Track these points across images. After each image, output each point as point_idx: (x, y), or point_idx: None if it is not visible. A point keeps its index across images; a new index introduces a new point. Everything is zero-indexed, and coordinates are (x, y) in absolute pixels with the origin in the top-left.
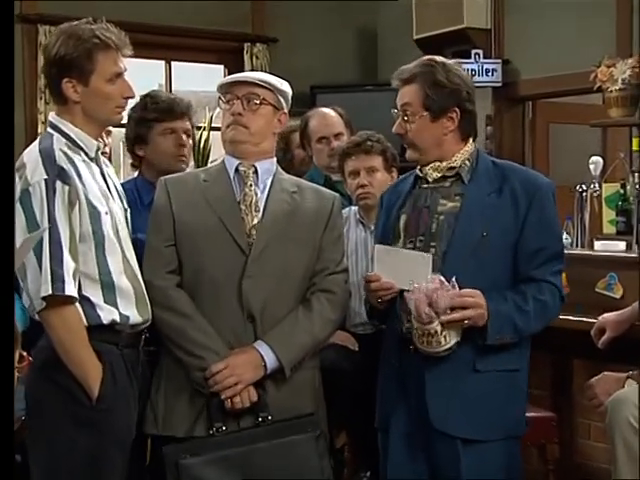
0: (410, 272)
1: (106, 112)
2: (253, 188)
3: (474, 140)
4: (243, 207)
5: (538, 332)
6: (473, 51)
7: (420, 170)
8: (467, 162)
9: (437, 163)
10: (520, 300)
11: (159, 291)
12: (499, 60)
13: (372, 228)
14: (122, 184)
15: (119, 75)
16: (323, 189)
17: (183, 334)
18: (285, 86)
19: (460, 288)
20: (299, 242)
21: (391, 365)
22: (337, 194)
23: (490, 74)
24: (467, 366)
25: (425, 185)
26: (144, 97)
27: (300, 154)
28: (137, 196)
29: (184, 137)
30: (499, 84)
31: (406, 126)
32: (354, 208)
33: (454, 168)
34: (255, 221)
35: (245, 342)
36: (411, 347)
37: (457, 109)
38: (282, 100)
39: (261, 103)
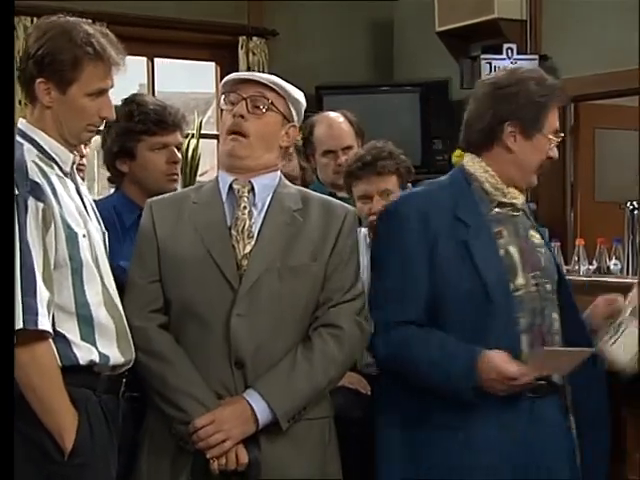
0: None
1: (76, 128)
2: (247, 210)
3: None
4: (234, 233)
5: None
6: (505, 46)
7: (502, 194)
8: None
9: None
10: None
11: (139, 332)
12: (536, 56)
13: None
14: (96, 202)
15: (102, 92)
16: (335, 202)
17: (164, 382)
18: (299, 95)
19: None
20: (300, 271)
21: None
22: (352, 207)
23: None
24: None
25: (512, 212)
26: (129, 103)
27: (295, 167)
28: (116, 217)
29: (176, 152)
30: None
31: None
32: (364, 230)
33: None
34: (248, 249)
35: (235, 392)
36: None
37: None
38: (294, 111)
39: (269, 109)
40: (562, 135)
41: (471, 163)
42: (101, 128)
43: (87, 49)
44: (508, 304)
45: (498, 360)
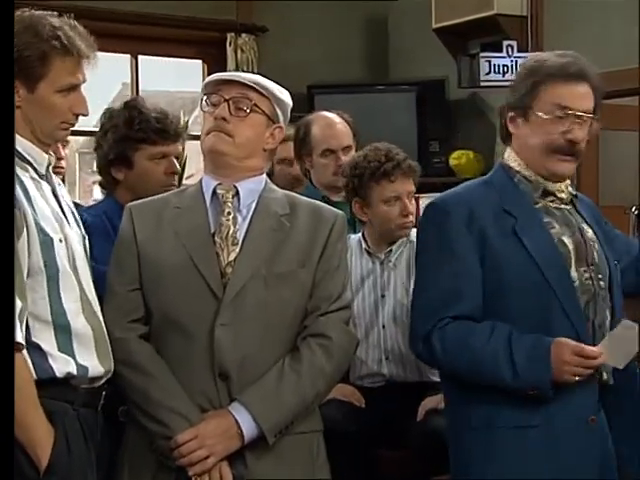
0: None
1: (48, 127)
2: (231, 216)
3: None
4: (218, 240)
5: None
6: (505, 43)
7: (537, 181)
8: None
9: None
10: None
11: (119, 344)
12: (537, 54)
13: (382, 257)
14: (87, 209)
15: (74, 87)
16: (324, 206)
17: (145, 395)
18: (285, 95)
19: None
20: (287, 278)
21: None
22: (341, 212)
23: None
24: None
25: (559, 204)
26: (129, 109)
27: (283, 171)
28: (107, 223)
29: (176, 163)
30: None
31: (585, 134)
32: (356, 236)
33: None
34: (232, 256)
35: (219, 405)
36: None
37: None
38: (279, 112)
39: (252, 110)
40: (581, 113)
41: (507, 155)
42: (89, 129)
43: (54, 43)
44: (570, 293)
45: (572, 342)
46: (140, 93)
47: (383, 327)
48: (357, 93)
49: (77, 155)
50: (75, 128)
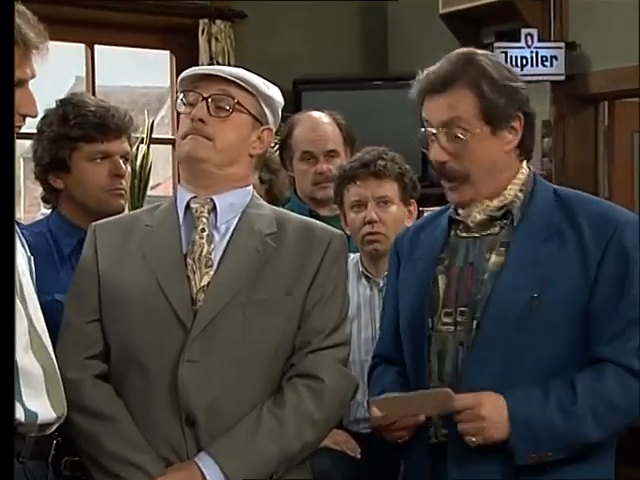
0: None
1: None
2: (205, 233)
3: (528, 159)
4: (190, 262)
5: (610, 438)
6: (524, 31)
7: (455, 210)
8: (520, 194)
9: (485, 201)
10: (567, 397)
11: (72, 385)
12: (561, 44)
13: (381, 284)
14: (28, 227)
15: (21, 83)
16: (318, 225)
17: (99, 445)
18: (274, 92)
19: (491, 380)
20: (270, 308)
21: None
22: (339, 231)
23: (548, 63)
24: None
25: (465, 233)
26: (63, 104)
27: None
28: (53, 243)
29: (121, 163)
30: (561, 77)
31: (456, 149)
32: (355, 257)
33: (504, 206)
34: (205, 280)
35: (187, 456)
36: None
37: (521, 114)
38: (267, 111)
39: (235, 109)
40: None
41: None
42: (31, 131)
43: None
44: (419, 345)
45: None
46: (97, 89)
47: None
48: (351, 90)
49: (22, 161)
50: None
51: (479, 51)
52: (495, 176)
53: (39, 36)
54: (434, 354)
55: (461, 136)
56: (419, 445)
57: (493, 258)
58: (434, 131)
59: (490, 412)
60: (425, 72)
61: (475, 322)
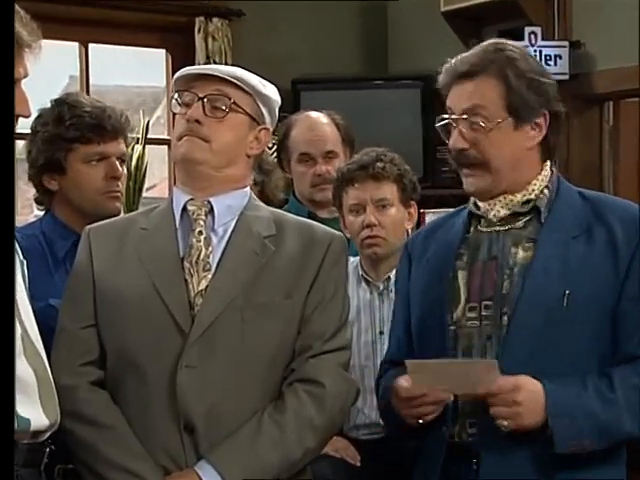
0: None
1: None
2: (203, 236)
3: (553, 160)
4: (187, 265)
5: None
6: (527, 29)
7: (476, 205)
8: (546, 191)
9: (509, 196)
10: (605, 386)
11: (67, 392)
12: (565, 42)
13: (381, 287)
14: (20, 229)
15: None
16: (318, 227)
17: (95, 453)
18: (270, 91)
19: (523, 373)
20: (269, 311)
21: None
22: (339, 233)
23: (552, 62)
24: None
25: (486, 228)
26: (58, 104)
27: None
28: (46, 246)
29: (118, 165)
30: (566, 77)
31: (476, 137)
32: (355, 260)
33: (530, 201)
34: (203, 284)
35: (185, 464)
36: (474, 461)
37: (546, 111)
38: (264, 110)
39: (231, 109)
40: None
41: None
42: (24, 131)
43: None
44: (440, 341)
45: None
46: (91, 89)
47: None
48: (351, 89)
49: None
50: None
51: (510, 42)
52: (516, 170)
53: (32, 34)
54: (460, 350)
55: (482, 124)
56: (438, 442)
57: (520, 253)
58: (456, 117)
59: (527, 397)
60: (453, 60)
61: (505, 317)
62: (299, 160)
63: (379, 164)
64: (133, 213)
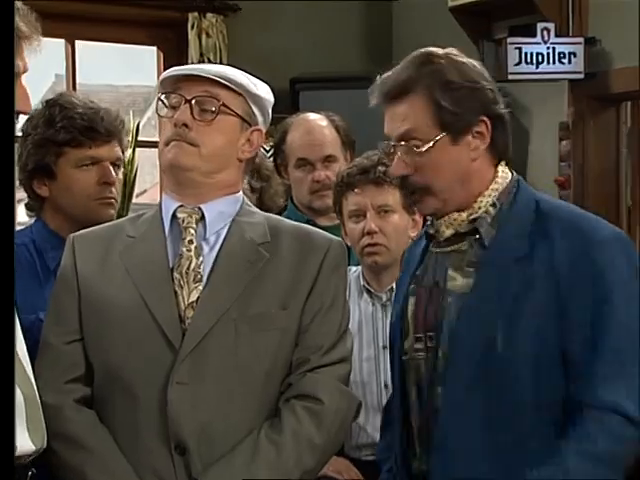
0: None
1: None
2: (194, 245)
3: (507, 162)
4: (177, 276)
5: None
6: (540, 25)
7: (431, 224)
8: (491, 209)
9: (454, 214)
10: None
11: (52, 411)
12: (580, 39)
13: (383, 299)
14: None
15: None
16: (315, 232)
17: (81, 476)
18: (262, 90)
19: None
20: (264, 324)
21: None
22: (337, 238)
23: (566, 61)
24: None
25: (435, 248)
26: (49, 106)
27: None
28: (36, 256)
29: (111, 170)
30: (580, 75)
31: (415, 162)
32: (357, 269)
33: (474, 220)
34: (194, 296)
35: None
36: None
37: (486, 117)
38: (256, 111)
39: (220, 111)
40: None
41: None
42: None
43: None
44: (398, 372)
45: None
46: (78, 87)
47: (385, 386)
48: (352, 89)
49: None
50: None
51: (439, 51)
52: (463, 185)
53: (31, 27)
54: (411, 383)
55: (416, 148)
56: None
57: (459, 280)
58: (394, 143)
59: None
60: (381, 78)
61: (441, 352)
62: (297, 166)
63: (381, 168)
64: (120, 220)
